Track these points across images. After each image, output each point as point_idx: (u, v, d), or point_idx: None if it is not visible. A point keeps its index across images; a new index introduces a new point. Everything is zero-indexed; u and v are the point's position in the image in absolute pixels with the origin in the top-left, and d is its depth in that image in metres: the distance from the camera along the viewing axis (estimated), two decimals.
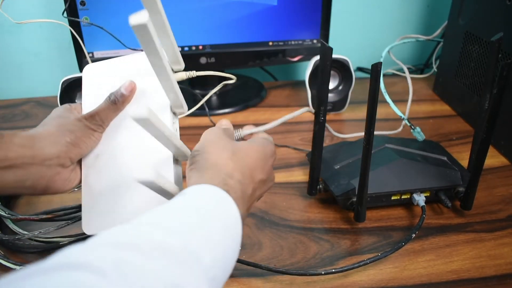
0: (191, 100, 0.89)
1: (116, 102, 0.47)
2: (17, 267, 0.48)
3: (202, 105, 0.88)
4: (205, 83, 0.94)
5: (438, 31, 1.00)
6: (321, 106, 0.52)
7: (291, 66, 1.10)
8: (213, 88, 0.96)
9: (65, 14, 0.78)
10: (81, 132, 0.45)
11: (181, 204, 0.34)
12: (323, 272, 0.48)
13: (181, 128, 0.81)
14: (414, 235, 0.53)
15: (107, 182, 0.45)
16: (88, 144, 0.46)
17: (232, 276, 0.50)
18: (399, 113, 0.65)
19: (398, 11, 1.06)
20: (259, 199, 0.44)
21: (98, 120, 0.46)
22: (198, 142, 0.43)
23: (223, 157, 0.39)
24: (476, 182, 0.56)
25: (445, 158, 0.63)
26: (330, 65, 0.50)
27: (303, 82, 0.97)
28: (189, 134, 0.80)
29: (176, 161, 0.45)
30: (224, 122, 0.49)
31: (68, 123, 0.45)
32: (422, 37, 0.96)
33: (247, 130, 0.51)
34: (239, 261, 0.50)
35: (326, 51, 0.49)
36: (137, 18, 0.32)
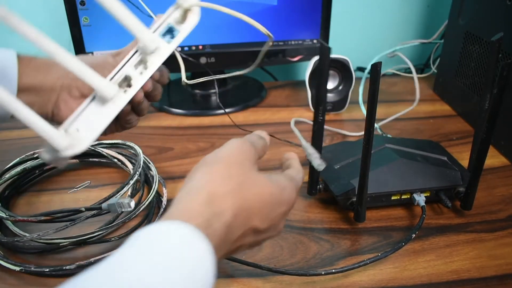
0: (190, 100, 0.89)
1: None
2: (17, 268, 0.48)
3: (202, 105, 0.88)
4: (205, 83, 0.94)
5: (438, 33, 1.00)
6: (320, 105, 0.52)
7: (291, 66, 1.10)
8: (213, 88, 0.96)
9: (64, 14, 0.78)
10: (101, 66, 0.45)
11: (135, 258, 0.27)
12: (323, 272, 0.48)
13: (181, 128, 0.82)
14: (414, 235, 0.53)
15: None
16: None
17: (232, 276, 0.50)
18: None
19: (398, 11, 1.06)
20: (252, 247, 0.38)
21: (123, 57, 0.45)
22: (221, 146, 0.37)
23: (224, 189, 0.33)
24: (476, 182, 0.56)
25: (445, 158, 0.63)
26: (328, 65, 0.50)
27: (303, 82, 0.96)
28: (189, 134, 0.80)
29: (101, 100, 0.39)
30: (262, 134, 0.43)
31: (92, 57, 0.46)
32: (422, 41, 0.96)
33: (292, 158, 0.44)
34: (239, 261, 0.50)
35: (324, 51, 0.49)
36: None
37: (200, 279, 0.28)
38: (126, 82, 0.39)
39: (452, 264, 0.51)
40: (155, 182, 0.59)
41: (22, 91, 0.43)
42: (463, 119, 0.85)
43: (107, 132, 0.51)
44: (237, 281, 0.49)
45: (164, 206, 0.58)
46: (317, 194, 0.60)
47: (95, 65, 0.43)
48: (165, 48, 0.41)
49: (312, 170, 0.58)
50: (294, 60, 0.90)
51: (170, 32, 0.41)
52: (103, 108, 0.38)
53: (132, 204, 0.46)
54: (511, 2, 0.68)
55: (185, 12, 0.41)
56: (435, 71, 1.02)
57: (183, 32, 0.41)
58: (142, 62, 0.40)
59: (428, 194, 0.58)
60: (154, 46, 0.39)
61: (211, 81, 0.94)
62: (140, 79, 0.40)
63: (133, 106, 0.48)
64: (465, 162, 0.62)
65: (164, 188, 0.60)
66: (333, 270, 0.48)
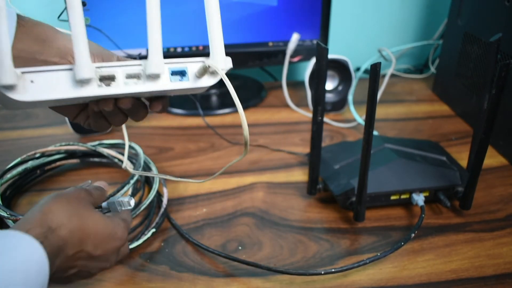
0: (190, 100, 0.89)
1: None
2: None
3: (202, 105, 0.88)
4: None
5: (437, 34, 1.00)
6: (318, 106, 0.53)
7: (291, 66, 1.10)
8: (212, 88, 0.96)
9: (65, 15, 0.78)
10: (105, 53, 0.44)
11: None
12: (322, 272, 0.48)
13: (181, 128, 0.82)
14: (413, 234, 0.53)
15: None
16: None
17: (232, 275, 0.50)
18: None
19: (398, 11, 1.06)
20: (83, 277, 0.40)
21: None
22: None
23: (62, 210, 0.36)
24: (475, 182, 0.56)
25: (444, 158, 0.63)
26: (326, 66, 0.51)
27: (303, 83, 0.97)
28: (189, 134, 0.80)
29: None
30: (101, 185, 0.46)
31: (103, 49, 0.44)
32: (420, 43, 0.97)
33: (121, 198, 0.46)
34: (239, 260, 0.50)
35: (322, 52, 0.49)
36: None
37: (35, 278, 0.31)
38: (108, 80, 0.37)
39: (451, 263, 0.52)
40: (156, 182, 0.59)
41: (15, 58, 0.39)
42: (462, 119, 0.86)
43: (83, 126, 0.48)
44: (237, 280, 0.49)
45: (164, 206, 0.58)
46: (316, 194, 0.60)
47: (101, 52, 0.43)
48: (164, 82, 0.38)
49: (312, 170, 0.58)
50: (294, 60, 0.90)
51: (181, 74, 0.39)
52: (69, 83, 0.35)
53: (132, 202, 0.45)
54: (510, 3, 0.69)
55: (205, 70, 0.40)
56: (434, 71, 1.02)
57: (191, 84, 0.39)
58: (136, 76, 0.38)
59: (427, 194, 0.59)
60: (156, 72, 0.37)
61: None
62: (121, 88, 0.37)
63: (105, 113, 0.44)
64: (464, 162, 0.62)
65: (164, 188, 0.60)
66: (333, 270, 0.49)
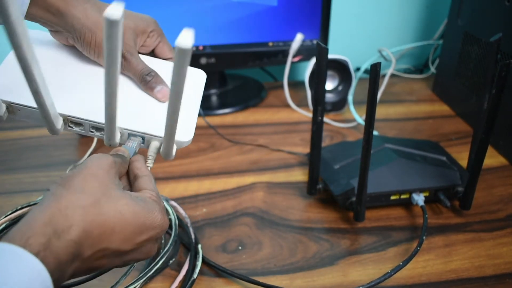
0: None
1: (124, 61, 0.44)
2: None
3: (202, 105, 0.88)
4: (206, 84, 0.94)
5: (437, 34, 1.00)
6: (318, 106, 0.53)
7: (291, 66, 1.10)
8: (213, 88, 0.96)
9: None
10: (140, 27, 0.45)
11: None
12: None
13: None
14: (424, 237, 0.52)
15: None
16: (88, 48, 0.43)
17: (232, 275, 0.50)
18: None
19: (398, 11, 1.06)
20: (121, 266, 0.34)
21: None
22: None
23: (74, 203, 0.30)
24: (475, 182, 0.56)
25: (444, 158, 0.63)
26: (326, 66, 0.51)
27: (303, 83, 0.97)
28: None
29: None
30: (120, 151, 0.39)
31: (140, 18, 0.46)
32: (420, 43, 0.97)
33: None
34: (224, 270, 0.50)
35: (322, 52, 0.49)
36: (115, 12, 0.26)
37: None
38: (77, 125, 0.41)
39: (451, 263, 0.52)
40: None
41: (35, 4, 0.40)
42: (462, 119, 0.86)
43: None
44: (237, 280, 0.49)
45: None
46: (316, 194, 0.60)
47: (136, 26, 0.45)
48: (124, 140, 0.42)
49: (312, 170, 0.58)
50: (294, 60, 0.90)
51: (141, 139, 0.42)
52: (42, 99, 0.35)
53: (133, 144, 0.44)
54: (510, 3, 0.69)
55: (149, 141, 0.42)
56: (434, 71, 1.02)
57: (131, 150, 0.41)
58: (101, 130, 0.41)
59: (427, 194, 0.59)
60: (116, 137, 0.39)
61: (211, 81, 0.94)
62: (87, 133, 0.42)
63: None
64: (464, 162, 0.62)
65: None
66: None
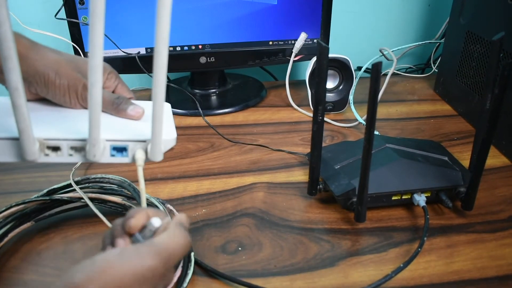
0: (190, 100, 0.89)
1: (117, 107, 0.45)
2: None
3: (202, 105, 0.88)
4: (205, 83, 0.94)
5: (439, 33, 1.00)
6: (319, 105, 0.52)
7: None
8: (213, 88, 0.96)
9: (63, 14, 0.78)
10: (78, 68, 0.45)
11: None
12: None
13: (181, 128, 0.82)
14: (425, 238, 0.52)
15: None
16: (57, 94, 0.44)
17: (232, 275, 0.49)
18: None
19: (399, 10, 1.06)
20: None
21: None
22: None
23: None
24: (477, 183, 0.55)
25: (446, 158, 0.62)
26: (327, 65, 0.50)
27: (304, 82, 0.96)
28: (188, 134, 0.80)
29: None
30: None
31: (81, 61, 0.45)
32: (422, 42, 0.96)
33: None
34: (219, 274, 0.50)
35: (322, 51, 0.49)
36: None
37: None
38: (54, 150, 0.39)
39: (453, 264, 0.51)
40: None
41: None
42: (464, 119, 0.85)
43: None
44: (237, 281, 0.49)
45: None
46: (317, 194, 0.60)
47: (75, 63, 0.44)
48: (105, 157, 0.41)
49: (312, 170, 0.57)
50: (295, 59, 0.90)
51: (122, 150, 0.41)
52: (14, 151, 0.37)
53: (155, 221, 0.39)
54: None
55: (133, 151, 0.42)
56: (436, 70, 1.02)
57: (131, 159, 0.41)
58: (80, 149, 0.40)
59: (429, 194, 0.58)
60: (97, 150, 0.39)
61: (211, 81, 0.94)
62: (65, 158, 0.40)
63: None
64: (466, 162, 0.62)
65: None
66: None
